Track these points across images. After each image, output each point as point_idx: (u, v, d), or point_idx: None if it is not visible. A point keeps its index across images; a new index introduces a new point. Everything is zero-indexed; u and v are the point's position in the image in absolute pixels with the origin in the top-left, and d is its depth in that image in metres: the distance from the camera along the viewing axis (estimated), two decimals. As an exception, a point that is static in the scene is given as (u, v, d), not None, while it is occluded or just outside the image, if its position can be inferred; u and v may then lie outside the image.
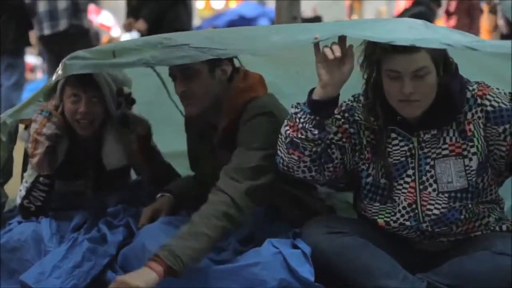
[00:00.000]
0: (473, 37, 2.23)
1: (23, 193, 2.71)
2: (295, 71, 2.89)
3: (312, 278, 2.30)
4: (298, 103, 2.33)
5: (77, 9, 5.61)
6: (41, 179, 2.69)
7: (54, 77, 2.53)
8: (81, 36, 5.64)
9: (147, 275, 2.18)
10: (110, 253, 2.55)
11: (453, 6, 8.64)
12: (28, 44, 6.27)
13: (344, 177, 2.49)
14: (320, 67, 2.25)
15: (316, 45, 2.23)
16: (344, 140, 2.42)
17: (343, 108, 2.43)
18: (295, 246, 2.40)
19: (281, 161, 2.39)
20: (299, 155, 2.33)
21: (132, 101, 2.86)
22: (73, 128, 2.77)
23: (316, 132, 2.29)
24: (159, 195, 2.77)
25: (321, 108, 2.28)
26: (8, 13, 5.70)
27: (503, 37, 7.87)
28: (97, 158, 2.85)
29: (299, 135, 2.30)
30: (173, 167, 3.07)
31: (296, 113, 2.31)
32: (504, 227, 2.43)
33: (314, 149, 2.32)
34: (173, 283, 2.29)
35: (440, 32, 2.24)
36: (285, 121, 2.35)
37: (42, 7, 5.55)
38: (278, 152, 2.39)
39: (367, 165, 2.44)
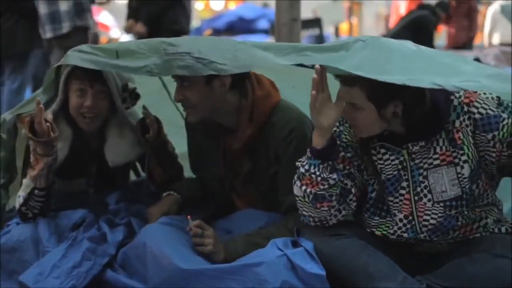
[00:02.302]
0: (464, 61, 2.25)
1: (21, 200, 2.69)
2: (291, 86, 2.88)
3: (323, 272, 2.29)
4: (301, 161, 2.35)
5: (82, 9, 5.47)
6: (36, 191, 2.66)
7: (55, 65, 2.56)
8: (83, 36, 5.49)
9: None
10: (110, 253, 2.55)
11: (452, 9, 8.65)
12: (40, 47, 6.05)
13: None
14: (316, 113, 2.27)
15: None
16: (348, 167, 2.43)
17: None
18: (296, 244, 2.40)
19: (311, 219, 2.40)
20: (328, 204, 2.35)
21: (137, 96, 2.84)
22: (76, 123, 2.76)
23: (335, 176, 2.33)
24: (165, 194, 2.76)
25: (329, 153, 2.31)
26: (17, 15, 5.54)
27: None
28: (100, 154, 2.83)
29: (322, 187, 2.32)
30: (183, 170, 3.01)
31: (307, 170, 2.32)
32: (503, 229, 2.44)
33: (336, 191, 2.35)
34: (175, 282, 2.30)
35: (429, 56, 2.26)
36: (297, 182, 2.36)
37: (43, 9, 5.32)
38: (303, 213, 2.40)
39: (373, 180, 2.45)
